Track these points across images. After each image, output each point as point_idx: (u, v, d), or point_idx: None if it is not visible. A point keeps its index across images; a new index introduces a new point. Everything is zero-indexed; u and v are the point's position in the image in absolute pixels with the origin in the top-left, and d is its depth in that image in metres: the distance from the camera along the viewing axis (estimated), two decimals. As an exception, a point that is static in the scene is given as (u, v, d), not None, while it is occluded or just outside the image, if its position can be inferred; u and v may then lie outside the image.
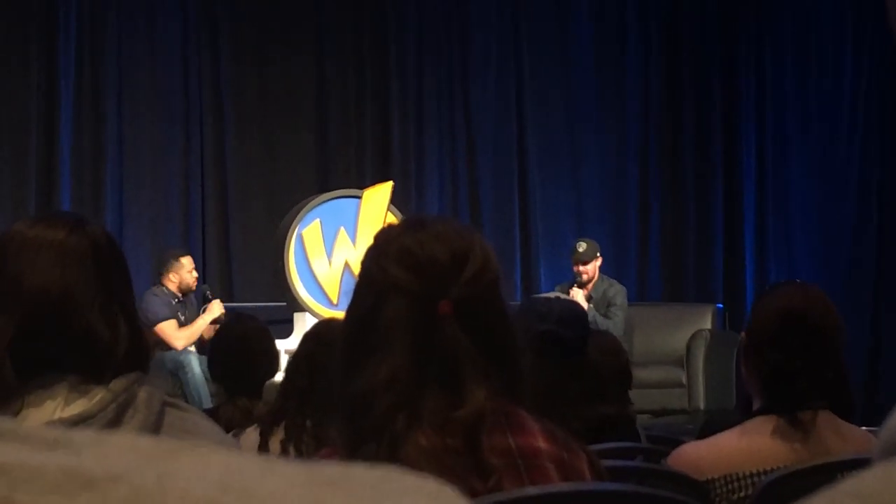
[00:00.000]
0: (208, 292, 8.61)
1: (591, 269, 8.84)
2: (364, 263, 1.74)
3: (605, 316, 8.74)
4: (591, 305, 8.73)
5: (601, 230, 10.22)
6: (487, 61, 10.65)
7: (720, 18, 10.98)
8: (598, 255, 8.90)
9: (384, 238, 1.73)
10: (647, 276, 10.65)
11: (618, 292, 8.90)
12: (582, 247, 8.92)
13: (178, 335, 8.26)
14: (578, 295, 8.77)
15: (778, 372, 2.58)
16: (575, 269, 8.88)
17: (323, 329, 3.43)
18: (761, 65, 10.94)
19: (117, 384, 1.70)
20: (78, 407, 1.69)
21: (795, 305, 2.61)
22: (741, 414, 2.78)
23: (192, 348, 8.30)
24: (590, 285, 8.89)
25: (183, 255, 8.67)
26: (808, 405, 2.58)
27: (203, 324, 8.27)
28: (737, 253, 10.83)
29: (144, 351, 1.79)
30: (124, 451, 0.44)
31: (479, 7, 10.65)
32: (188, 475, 0.42)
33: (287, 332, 8.14)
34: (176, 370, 8.03)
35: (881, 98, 10.60)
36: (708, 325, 9.31)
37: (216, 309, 8.36)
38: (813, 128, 10.77)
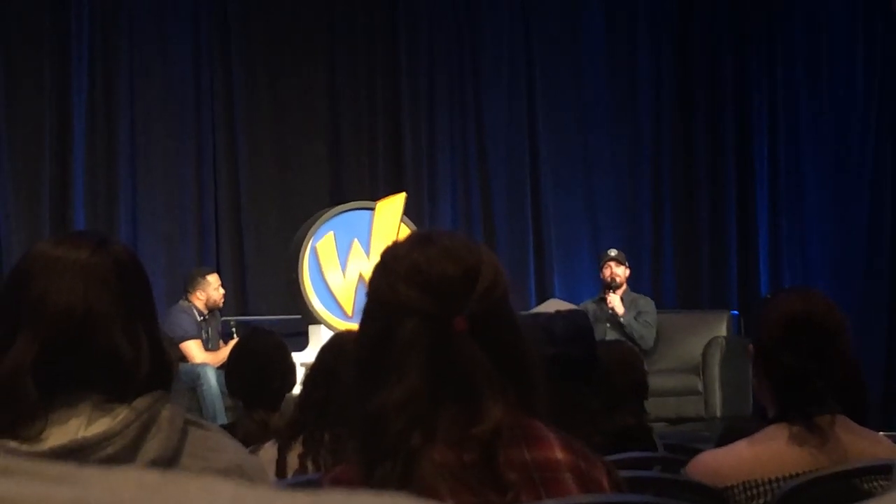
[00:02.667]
0: (234, 329, 8.64)
1: (623, 273, 9.01)
2: (373, 283, 1.72)
3: (638, 323, 8.92)
4: (625, 311, 8.88)
5: (615, 238, 10.20)
6: (499, 70, 10.65)
7: (731, 23, 10.97)
8: (627, 265, 9.10)
9: (392, 256, 1.72)
10: (661, 283, 10.63)
11: (648, 303, 9.12)
12: (614, 251, 9.11)
13: (202, 357, 8.30)
14: (616, 301, 8.86)
15: (791, 378, 2.58)
16: (606, 271, 9.03)
17: (339, 341, 3.42)
18: (773, 69, 10.92)
19: (140, 403, 1.71)
20: (101, 425, 1.69)
21: (797, 309, 2.62)
22: (759, 421, 2.78)
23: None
24: (620, 291, 8.98)
25: (209, 273, 8.77)
26: (825, 409, 2.58)
27: (225, 356, 8.30)
28: (751, 259, 10.81)
29: (167, 369, 1.79)
30: (131, 484, 0.44)
31: (491, 16, 10.65)
32: None
33: (302, 345, 8.14)
34: (192, 383, 8.05)
35: (893, 100, 10.58)
36: (723, 332, 9.28)
37: None
38: (825, 132, 10.75)
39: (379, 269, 1.72)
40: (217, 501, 0.43)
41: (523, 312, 3.54)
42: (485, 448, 1.64)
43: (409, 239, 1.80)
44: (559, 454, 1.68)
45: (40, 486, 0.43)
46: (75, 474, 0.45)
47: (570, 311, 3.29)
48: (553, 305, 3.34)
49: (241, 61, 10.17)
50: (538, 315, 3.31)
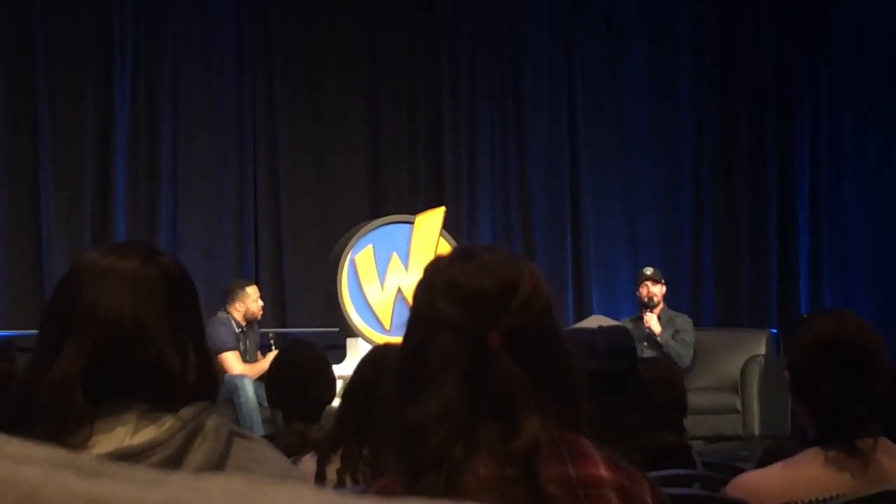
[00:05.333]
0: (272, 341, 8.66)
1: (659, 291, 8.97)
2: (415, 297, 1.74)
3: (675, 341, 8.89)
4: (662, 330, 8.86)
5: (654, 255, 10.18)
6: (540, 87, 10.66)
7: (774, 42, 10.94)
8: (664, 282, 9.06)
9: (432, 271, 1.73)
10: (700, 301, 10.60)
11: (686, 321, 9.07)
12: (650, 270, 9.07)
13: (240, 368, 8.31)
14: (652, 320, 8.85)
15: (830, 404, 2.56)
16: (642, 290, 9.01)
17: (379, 355, 3.42)
18: (815, 88, 10.88)
19: (186, 412, 1.72)
20: (147, 434, 1.71)
21: (828, 334, 2.59)
22: (800, 442, 2.76)
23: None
24: (657, 310, 8.96)
25: (248, 285, 8.77)
26: (866, 432, 2.56)
27: (264, 367, 8.32)
28: (791, 277, 10.76)
29: (213, 380, 1.81)
30: (220, 489, 0.45)
31: (533, 32, 10.67)
32: None
33: (340, 358, 8.16)
34: (230, 394, 8.07)
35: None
36: (762, 350, 9.24)
37: None
38: (868, 151, 10.70)
39: (420, 284, 1.74)
40: None
41: (565, 328, 3.52)
42: (525, 463, 1.64)
43: (451, 254, 1.81)
44: (603, 471, 1.68)
45: (134, 487, 0.44)
46: (166, 479, 0.46)
47: (612, 327, 3.29)
48: (595, 321, 3.35)
49: (282, 76, 10.22)
50: (581, 330, 3.31)
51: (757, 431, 8.76)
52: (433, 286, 1.70)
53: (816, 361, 2.58)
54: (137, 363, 1.74)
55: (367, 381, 3.27)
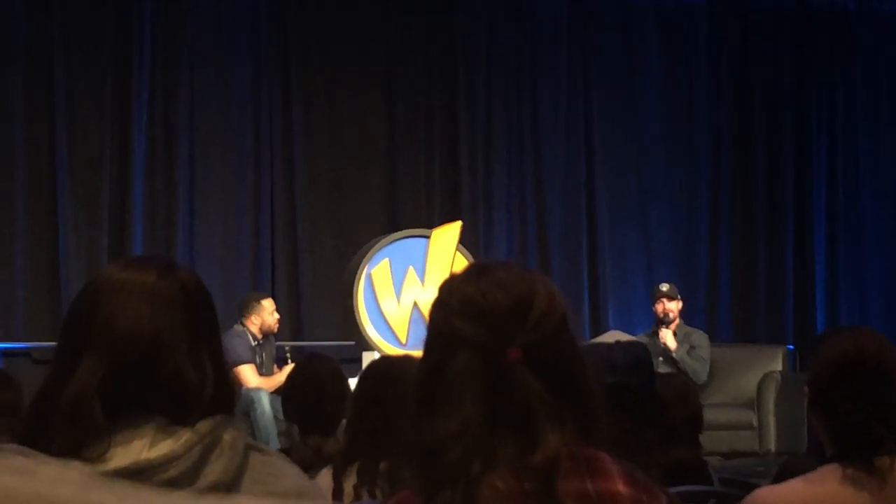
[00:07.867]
0: (288, 354, 8.67)
1: (675, 308, 8.97)
2: (431, 315, 1.75)
3: (691, 357, 8.87)
4: (677, 345, 8.85)
5: (670, 271, 10.17)
6: (556, 101, 10.66)
7: (791, 58, 10.93)
8: (680, 298, 9.04)
9: (448, 288, 1.74)
10: (717, 317, 10.59)
11: (702, 337, 9.06)
12: (665, 286, 9.07)
13: (256, 381, 8.32)
14: (668, 336, 8.84)
15: (850, 422, 2.56)
16: (658, 307, 9.00)
17: (385, 367, 3.40)
18: (833, 104, 10.87)
19: (203, 426, 1.73)
20: (164, 448, 1.71)
21: (848, 352, 2.59)
22: (815, 458, 2.76)
23: (263, 386, 8.37)
24: (672, 326, 8.96)
25: (264, 298, 8.80)
26: (885, 450, 2.55)
27: (279, 381, 8.33)
28: (808, 293, 10.74)
29: (230, 394, 1.81)
30: None
31: (549, 46, 10.67)
32: None
33: (356, 372, 8.14)
34: (246, 407, 8.08)
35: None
36: (779, 366, 9.23)
37: None
38: (884, 165, 10.69)
39: (436, 302, 1.75)
40: None
41: (582, 343, 3.52)
42: (543, 477, 1.64)
43: (465, 271, 1.81)
44: (620, 487, 1.68)
45: None
46: (194, 501, 0.46)
47: (630, 342, 3.29)
48: (613, 336, 3.35)
49: (299, 89, 10.24)
50: (598, 345, 3.31)
51: (773, 448, 8.74)
52: (449, 304, 1.70)
53: (836, 379, 2.58)
54: (155, 377, 1.74)
55: (374, 393, 3.25)
